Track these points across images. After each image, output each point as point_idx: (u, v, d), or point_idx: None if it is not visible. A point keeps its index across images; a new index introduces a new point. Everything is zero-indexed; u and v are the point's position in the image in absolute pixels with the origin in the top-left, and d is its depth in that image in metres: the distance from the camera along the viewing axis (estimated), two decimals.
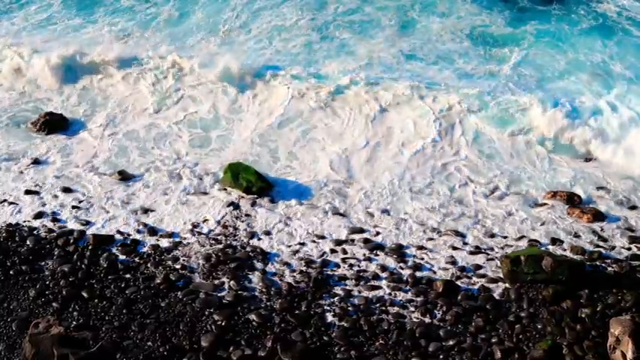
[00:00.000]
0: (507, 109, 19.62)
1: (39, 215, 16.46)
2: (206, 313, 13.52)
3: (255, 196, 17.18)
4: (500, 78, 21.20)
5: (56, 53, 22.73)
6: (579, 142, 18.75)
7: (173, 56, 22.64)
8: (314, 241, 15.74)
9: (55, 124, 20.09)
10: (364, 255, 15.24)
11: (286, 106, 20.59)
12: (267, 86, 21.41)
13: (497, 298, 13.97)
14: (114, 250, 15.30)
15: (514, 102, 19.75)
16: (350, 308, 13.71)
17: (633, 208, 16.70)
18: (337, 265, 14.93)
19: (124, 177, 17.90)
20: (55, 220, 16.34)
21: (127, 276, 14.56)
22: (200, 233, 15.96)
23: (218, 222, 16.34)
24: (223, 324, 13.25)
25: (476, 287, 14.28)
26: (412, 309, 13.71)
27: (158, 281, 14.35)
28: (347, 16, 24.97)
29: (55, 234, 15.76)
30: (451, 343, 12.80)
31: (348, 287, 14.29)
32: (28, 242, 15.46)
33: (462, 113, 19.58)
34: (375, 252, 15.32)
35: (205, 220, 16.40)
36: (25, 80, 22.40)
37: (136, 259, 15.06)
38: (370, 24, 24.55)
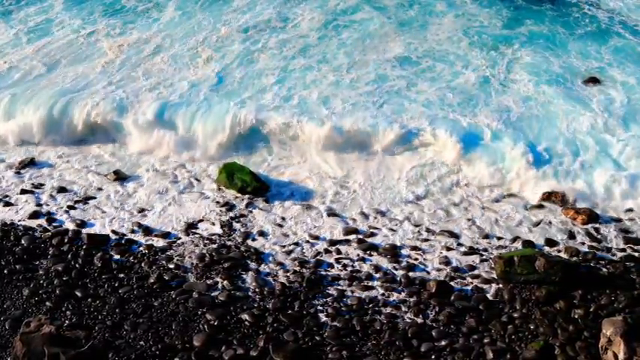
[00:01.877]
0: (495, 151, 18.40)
1: (34, 215, 16.50)
2: (199, 312, 13.53)
3: (250, 196, 17.19)
4: (497, 84, 21.01)
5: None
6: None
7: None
8: (308, 242, 15.74)
9: None
10: (358, 255, 15.23)
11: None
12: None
13: (490, 298, 13.95)
14: (108, 250, 15.32)
15: (500, 147, 18.33)
16: (343, 308, 13.69)
17: (628, 210, 16.65)
18: (331, 266, 14.93)
19: (120, 177, 17.92)
20: (50, 219, 16.38)
21: (121, 275, 14.58)
22: (194, 233, 15.97)
23: (212, 222, 16.35)
24: (216, 323, 13.26)
25: (469, 288, 14.27)
26: (405, 309, 13.70)
27: (152, 281, 14.36)
28: (347, 16, 24.96)
29: (49, 233, 15.79)
30: (443, 343, 12.78)
31: (341, 287, 14.28)
32: (22, 241, 15.49)
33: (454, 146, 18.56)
34: (369, 252, 15.31)
35: (200, 220, 16.42)
36: None
37: (130, 259, 15.08)
38: (371, 21, 24.53)
